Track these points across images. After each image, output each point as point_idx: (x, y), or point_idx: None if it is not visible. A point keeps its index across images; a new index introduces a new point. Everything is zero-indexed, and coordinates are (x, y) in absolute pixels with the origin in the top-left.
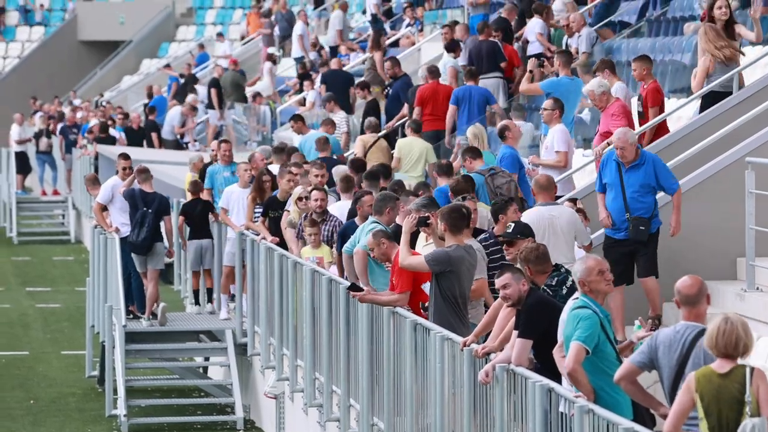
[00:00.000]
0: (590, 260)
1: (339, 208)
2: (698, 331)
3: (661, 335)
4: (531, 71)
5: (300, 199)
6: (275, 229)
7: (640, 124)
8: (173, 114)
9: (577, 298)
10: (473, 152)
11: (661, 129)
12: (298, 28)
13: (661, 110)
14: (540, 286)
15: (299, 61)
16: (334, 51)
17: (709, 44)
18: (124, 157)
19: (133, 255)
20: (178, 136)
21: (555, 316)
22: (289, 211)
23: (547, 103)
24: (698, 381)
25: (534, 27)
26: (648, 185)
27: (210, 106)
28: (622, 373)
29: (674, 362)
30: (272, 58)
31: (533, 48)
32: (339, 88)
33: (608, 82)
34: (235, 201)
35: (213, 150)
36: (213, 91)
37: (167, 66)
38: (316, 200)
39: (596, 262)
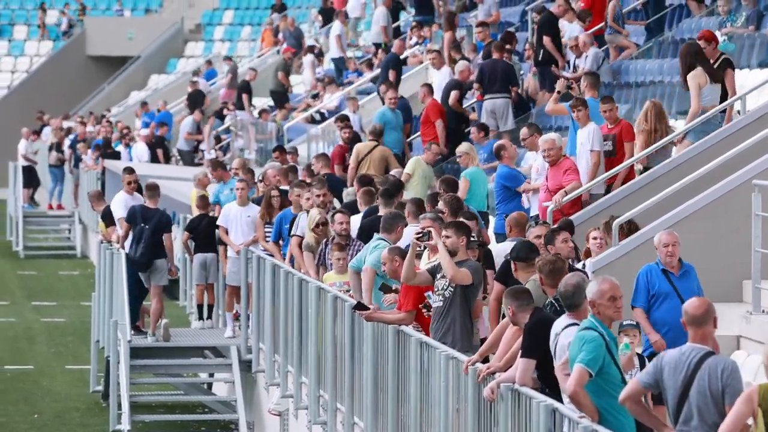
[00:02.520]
0: (605, 283)
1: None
2: (704, 354)
3: (667, 356)
4: (559, 92)
5: (318, 225)
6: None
7: (611, 163)
8: (186, 123)
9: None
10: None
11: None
12: (336, 28)
13: (632, 147)
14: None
15: (336, 61)
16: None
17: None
18: (129, 171)
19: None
20: (195, 143)
21: None
22: (297, 235)
23: (523, 132)
24: (763, 397)
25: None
26: (697, 294)
27: (240, 107)
28: (627, 393)
29: (679, 384)
30: (313, 50)
31: None
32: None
33: (583, 123)
34: (233, 219)
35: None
36: (244, 95)
37: (144, 104)
38: (341, 223)
39: (611, 286)
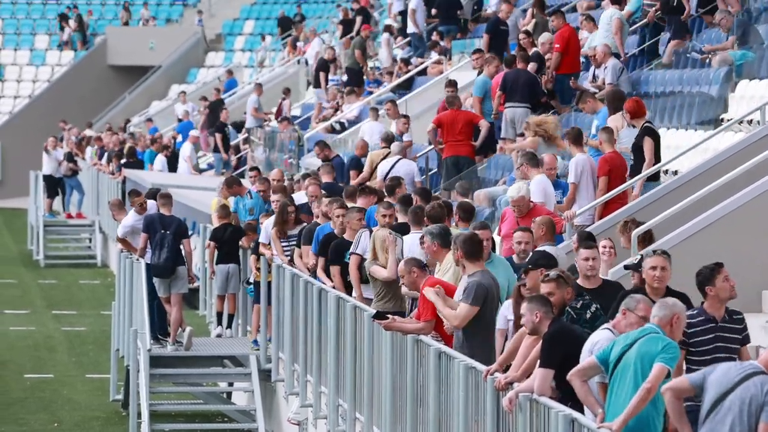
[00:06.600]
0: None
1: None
2: (759, 371)
3: (724, 364)
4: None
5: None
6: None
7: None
8: (252, 100)
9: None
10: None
11: (623, 197)
12: (413, 2)
13: (613, 180)
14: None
15: (414, 36)
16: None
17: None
18: (136, 194)
19: (156, 280)
20: (266, 119)
21: (575, 344)
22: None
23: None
24: None
25: None
26: None
27: (317, 85)
28: (672, 384)
29: (723, 386)
30: (390, 30)
31: None
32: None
33: (571, 152)
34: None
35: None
36: (321, 74)
37: (149, 120)
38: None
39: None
